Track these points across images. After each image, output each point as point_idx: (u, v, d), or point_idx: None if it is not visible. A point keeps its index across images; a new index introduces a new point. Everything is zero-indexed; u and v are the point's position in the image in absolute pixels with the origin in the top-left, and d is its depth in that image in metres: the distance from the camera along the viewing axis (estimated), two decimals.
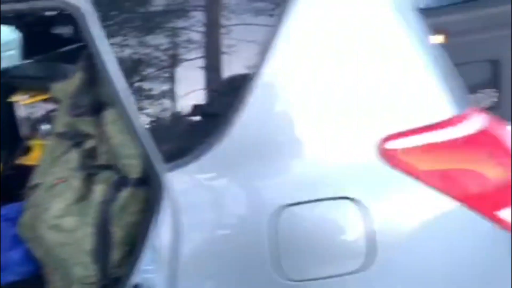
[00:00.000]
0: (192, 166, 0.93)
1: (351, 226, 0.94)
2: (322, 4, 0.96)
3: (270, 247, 0.92)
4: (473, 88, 2.34)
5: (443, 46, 2.28)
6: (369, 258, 0.93)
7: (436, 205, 0.96)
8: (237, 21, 0.96)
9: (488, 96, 2.29)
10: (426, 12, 2.22)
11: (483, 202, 0.97)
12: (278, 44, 0.93)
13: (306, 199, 0.93)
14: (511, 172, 0.98)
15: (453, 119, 0.98)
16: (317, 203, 0.93)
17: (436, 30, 2.27)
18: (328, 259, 0.94)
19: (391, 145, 0.96)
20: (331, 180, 0.95)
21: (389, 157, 0.96)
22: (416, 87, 0.99)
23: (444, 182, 0.96)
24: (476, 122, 1.00)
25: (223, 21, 0.97)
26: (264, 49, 0.93)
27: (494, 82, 2.25)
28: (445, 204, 0.96)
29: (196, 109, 0.98)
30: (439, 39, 2.21)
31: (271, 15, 0.96)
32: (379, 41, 0.98)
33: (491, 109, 2.32)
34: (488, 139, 1.00)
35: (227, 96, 0.96)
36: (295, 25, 0.94)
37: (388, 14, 0.99)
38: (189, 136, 0.99)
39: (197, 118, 1.00)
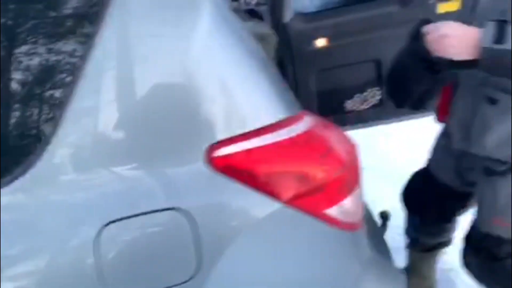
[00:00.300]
0: (13, 186, 0.90)
1: (178, 237, 0.94)
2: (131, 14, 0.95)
3: (96, 268, 0.90)
4: (359, 88, 2.45)
5: (327, 48, 2.38)
6: (198, 267, 0.94)
7: (265, 209, 0.98)
8: (51, 38, 0.94)
9: (373, 94, 2.39)
10: (308, 17, 2.30)
11: (312, 203, 1.00)
12: (91, 59, 0.92)
13: (129, 213, 0.92)
14: (337, 170, 1.03)
15: (279, 122, 1.00)
16: (142, 216, 0.92)
17: (319, 34, 2.36)
18: (156, 273, 0.94)
19: (218, 152, 0.97)
20: (156, 192, 0.95)
21: (217, 164, 0.97)
22: (242, 92, 1.00)
23: (271, 186, 0.98)
24: (302, 125, 1.03)
25: (37, 39, 0.95)
26: (78, 65, 0.92)
27: (378, 81, 2.35)
28: (274, 208, 0.98)
29: (14, 127, 0.95)
30: (322, 42, 2.30)
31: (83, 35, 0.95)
32: (196, 49, 0.98)
33: (376, 106, 2.43)
34: (314, 140, 1.03)
35: (43, 113, 0.94)
36: (106, 42, 0.93)
37: (204, 18, 0.99)
38: (7, 155, 0.95)
39: (15, 136, 0.97)
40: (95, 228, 0.91)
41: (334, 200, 1.02)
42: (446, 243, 1.92)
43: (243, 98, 1.01)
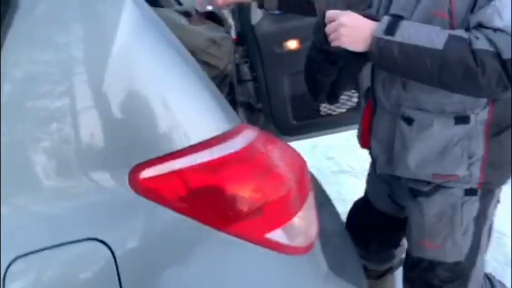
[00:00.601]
0: None
1: (98, 271, 0.84)
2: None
3: None
4: None
5: (299, 50, 2.28)
6: None
7: (197, 236, 0.88)
8: None
9: (350, 97, 2.30)
10: (277, 18, 2.21)
11: (250, 227, 0.90)
12: None
13: (41, 246, 0.82)
14: (279, 190, 0.93)
15: (214, 138, 0.90)
16: (56, 249, 0.82)
17: (289, 35, 2.27)
18: None
19: (142, 174, 0.87)
20: (74, 221, 0.85)
21: (141, 187, 0.86)
22: (171, 103, 0.90)
23: (202, 210, 0.88)
24: (240, 140, 0.92)
25: None
26: None
27: (355, 84, 2.26)
28: (208, 234, 0.88)
29: None
30: (293, 44, 2.20)
31: None
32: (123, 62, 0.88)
33: (353, 110, 2.33)
34: (253, 157, 0.93)
35: None
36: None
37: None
38: None
39: None
40: (3, 264, 0.81)
41: (276, 223, 0.92)
42: (397, 266, 1.86)
43: (172, 110, 0.90)
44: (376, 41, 1.20)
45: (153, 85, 0.89)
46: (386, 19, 1.22)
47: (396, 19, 1.22)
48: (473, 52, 1.13)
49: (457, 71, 1.15)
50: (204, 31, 1.82)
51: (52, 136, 0.84)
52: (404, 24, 1.20)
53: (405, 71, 1.25)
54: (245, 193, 0.90)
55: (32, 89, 0.84)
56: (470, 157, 1.33)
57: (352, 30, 1.23)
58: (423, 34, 1.18)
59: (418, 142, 1.35)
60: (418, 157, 1.36)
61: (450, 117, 1.31)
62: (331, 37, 1.26)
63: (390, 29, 1.19)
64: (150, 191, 0.87)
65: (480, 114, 1.31)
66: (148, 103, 0.89)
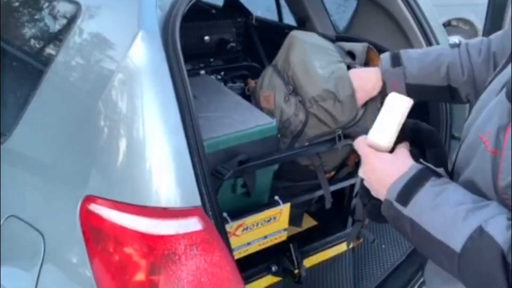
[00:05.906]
0: None
1: None
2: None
3: None
4: None
5: None
6: None
7: None
8: None
9: None
10: None
11: None
12: None
13: None
14: None
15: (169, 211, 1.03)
16: None
17: None
18: None
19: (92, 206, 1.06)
20: None
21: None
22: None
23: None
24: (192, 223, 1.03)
25: None
26: None
27: None
28: None
29: None
30: None
31: None
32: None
33: None
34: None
35: None
36: None
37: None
38: None
39: None
40: None
41: None
42: None
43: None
44: (386, 207, 0.90)
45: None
46: (406, 175, 0.88)
47: (421, 176, 0.87)
48: (506, 268, 0.73)
49: (481, 280, 0.78)
50: (324, 81, 1.45)
51: None
52: (422, 192, 0.85)
53: (422, 252, 0.91)
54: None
55: None
56: None
57: (373, 176, 0.94)
58: (437, 219, 0.82)
59: None
60: None
61: None
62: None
63: (404, 195, 0.86)
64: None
65: None
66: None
